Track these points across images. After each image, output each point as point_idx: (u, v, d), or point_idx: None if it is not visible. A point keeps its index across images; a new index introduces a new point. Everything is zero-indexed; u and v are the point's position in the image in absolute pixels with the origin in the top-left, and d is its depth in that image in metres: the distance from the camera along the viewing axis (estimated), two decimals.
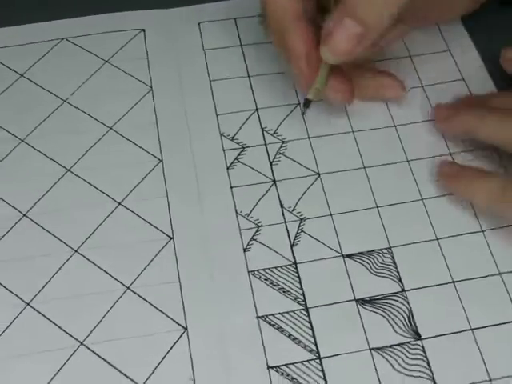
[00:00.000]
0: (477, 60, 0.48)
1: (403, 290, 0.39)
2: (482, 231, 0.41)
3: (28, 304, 0.38)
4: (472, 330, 0.38)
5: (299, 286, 0.39)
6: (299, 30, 0.40)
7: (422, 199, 0.42)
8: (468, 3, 0.45)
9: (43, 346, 0.37)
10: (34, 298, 0.38)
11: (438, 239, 0.41)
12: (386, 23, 0.38)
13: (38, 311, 0.38)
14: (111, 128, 0.44)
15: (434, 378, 0.36)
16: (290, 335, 0.37)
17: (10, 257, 0.39)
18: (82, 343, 0.37)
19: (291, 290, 0.39)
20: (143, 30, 0.49)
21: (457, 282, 0.39)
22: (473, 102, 0.45)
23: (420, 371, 0.36)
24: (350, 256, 0.40)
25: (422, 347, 0.37)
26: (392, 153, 0.44)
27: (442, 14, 0.45)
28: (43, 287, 0.38)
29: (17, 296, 0.38)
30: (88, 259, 0.39)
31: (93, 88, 0.46)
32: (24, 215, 0.41)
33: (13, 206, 0.41)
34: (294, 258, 0.40)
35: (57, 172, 0.42)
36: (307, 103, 0.41)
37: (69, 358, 0.36)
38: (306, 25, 0.40)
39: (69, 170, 0.43)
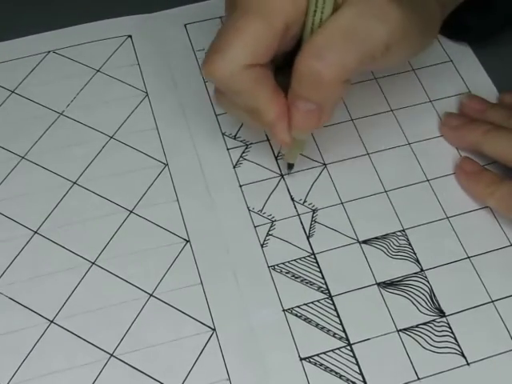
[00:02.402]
0: (478, 67, 0.48)
1: (422, 270, 0.39)
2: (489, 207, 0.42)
3: (52, 321, 0.37)
4: (493, 301, 0.38)
5: (320, 275, 0.39)
6: (277, 104, 0.36)
7: (428, 180, 0.43)
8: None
9: (72, 362, 0.36)
10: (57, 314, 0.38)
11: (448, 218, 0.41)
12: (338, 94, 0.36)
13: (63, 327, 0.37)
14: (112, 137, 0.44)
15: (463, 353, 0.37)
16: (317, 325, 0.38)
17: (26, 276, 0.39)
18: (111, 355, 0.37)
19: (313, 281, 0.39)
20: (130, 36, 0.49)
21: (472, 257, 0.40)
22: (479, 109, 0.44)
23: (449, 347, 0.37)
24: (366, 242, 0.40)
25: (448, 323, 0.38)
26: (394, 136, 0.45)
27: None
28: (65, 303, 0.38)
29: (39, 315, 0.38)
30: (107, 270, 0.39)
31: (88, 98, 0.46)
32: (35, 232, 0.40)
33: (23, 225, 0.40)
34: (312, 248, 0.40)
35: (63, 186, 0.42)
36: (291, 166, 0.42)
37: (100, 371, 0.36)
38: (282, 97, 0.36)
39: (75, 183, 0.42)
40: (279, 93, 0.36)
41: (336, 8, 0.34)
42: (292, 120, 0.37)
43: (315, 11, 0.34)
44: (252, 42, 0.34)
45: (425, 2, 0.36)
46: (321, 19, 0.34)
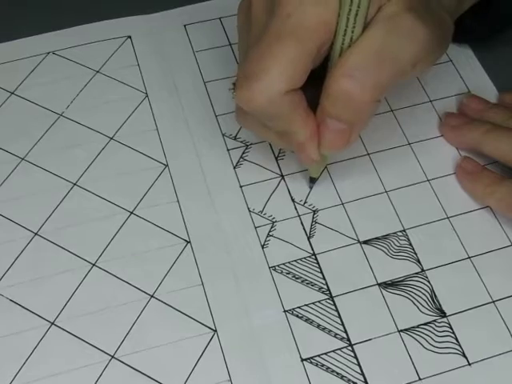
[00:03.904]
0: (478, 67, 0.48)
1: (423, 270, 0.39)
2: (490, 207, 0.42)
3: (52, 323, 0.37)
4: (494, 302, 0.38)
5: (321, 276, 0.39)
6: (309, 125, 0.36)
7: (428, 180, 0.43)
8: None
9: (73, 364, 0.36)
10: (57, 316, 0.38)
11: (448, 218, 0.41)
12: (369, 114, 0.36)
13: (64, 329, 0.37)
14: (112, 138, 0.44)
15: (464, 353, 0.37)
16: (318, 325, 0.38)
17: (27, 278, 0.39)
18: (112, 356, 0.37)
19: (314, 281, 0.39)
20: (129, 37, 0.49)
21: (472, 257, 0.40)
22: (479, 109, 0.44)
23: (450, 347, 0.37)
24: (366, 242, 0.40)
25: (449, 324, 0.38)
26: (394, 136, 0.45)
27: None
28: (65, 305, 0.38)
29: (40, 316, 0.38)
30: (107, 271, 0.39)
31: (87, 99, 0.46)
32: (36, 234, 0.40)
33: (23, 227, 0.40)
34: (313, 249, 0.40)
35: (63, 187, 0.42)
36: (313, 180, 0.42)
37: (101, 373, 0.36)
38: (313, 116, 0.36)
39: (75, 184, 0.42)
40: (310, 113, 0.36)
41: (364, 27, 0.34)
42: (321, 139, 0.36)
43: (345, 31, 0.34)
44: (289, 67, 0.34)
45: (440, 15, 0.36)
46: (351, 39, 0.34)
